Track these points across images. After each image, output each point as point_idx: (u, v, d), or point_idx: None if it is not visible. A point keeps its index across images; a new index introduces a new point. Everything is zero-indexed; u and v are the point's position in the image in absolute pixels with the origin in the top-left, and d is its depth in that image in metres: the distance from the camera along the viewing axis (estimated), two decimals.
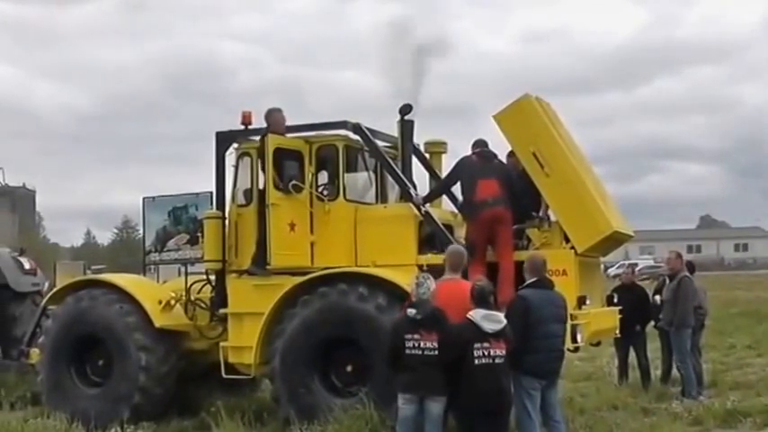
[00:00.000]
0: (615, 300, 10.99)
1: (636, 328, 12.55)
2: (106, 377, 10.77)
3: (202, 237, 10.74)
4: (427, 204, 9.95)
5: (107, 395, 10.60)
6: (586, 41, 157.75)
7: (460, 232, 10.12)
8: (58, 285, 12.47)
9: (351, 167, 10.54)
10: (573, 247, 9.34)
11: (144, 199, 11.92)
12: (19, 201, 19.66)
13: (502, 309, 7.57)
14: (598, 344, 10.88)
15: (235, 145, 10.52)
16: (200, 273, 10.96)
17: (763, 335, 19.96)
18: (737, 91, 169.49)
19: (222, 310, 10.40)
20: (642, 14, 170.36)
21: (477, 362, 7.07)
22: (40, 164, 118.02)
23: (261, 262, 9.97)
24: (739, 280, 51.56)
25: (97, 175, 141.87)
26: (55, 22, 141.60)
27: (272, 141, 9.95)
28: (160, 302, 10.73)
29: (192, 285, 10.97)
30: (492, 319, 7.18)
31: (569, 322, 8.38)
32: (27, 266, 14.79)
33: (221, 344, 10.22)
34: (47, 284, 15.71)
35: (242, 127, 10.38)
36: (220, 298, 10.46)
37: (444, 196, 10.75)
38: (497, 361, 7.12)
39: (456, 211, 10.60)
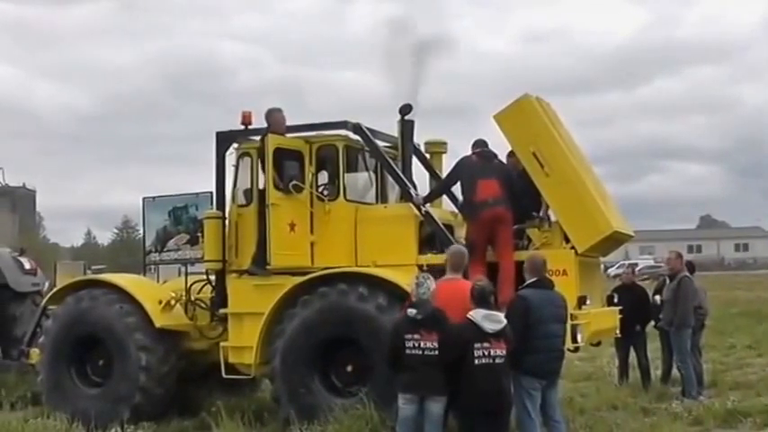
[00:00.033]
0: (615, 300, 10.99)
1: (636, 328, 12.55)
2: (106, 377, 10.77)
3: (202, 237, 10.74)
4: (427, 204, 9.95)
5: (107, 395, 10.59)
6: (586, 41, 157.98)
7: (461, 232, 10.12)
8: (59, 285, 12.46)
9: (351, 167, 10.54)
10: (573, 247, 9.34)
11: (144, 199, 11.93)
12: (19, 201, 19.67)
13: (502, 309, 7.58)
14: (598, 344, 10.88)
15: (235, 145, 10.52)
16: (201, 273, 10.96)
17: (763, 335, 19.96)
18: (737, 91, 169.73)
19: (222, 311, 10.40)
20: (642, 14, 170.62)
21: (477, 362, 7.08)
22: (41, 164, 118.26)
23: (261, 262, 9.97)
24: (739, 280, 51.56)
25: (97, 175, 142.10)
26: (55, 22, 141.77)
27: (273, 141, 9.95)
28: (160, 302, 10.74)
29: (192, 285, 10.98)
30: (492, 319, 7.18)
31: (569, 322, 8.38)
32: (27, 266, 14.80)
33: (221, 344, 10.22)
34: (47, 284, 15.71)
35: (242, 127, 10.38)
36: (220, 298, 10.47)
37: (444, 196, 10.76)
38: (497, 361, 7.13)
39: (456, 211, 10.60)
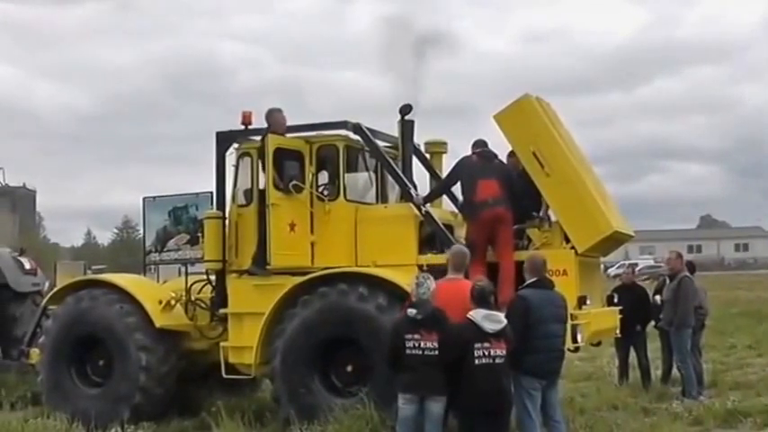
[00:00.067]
0: (615, 300, 10.99)
1: (636, 328, 12.55)
2: (106, 377, 10.77)
3: (202, 237, 10.74)
4: (427, 204, 9.95)
5: (107, 395, 10.59)
6: (586, 41, 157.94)
7: (461, 232, 10.12)
8: (59, 285, 12.46)
9: (351, 167, 10.54)
10: (573, 247, 9.33)
11: (144, 199, 11.92)
12: (19, 201, 19.69)
13: (502, 309, 7.57)
14: (598, 344, 10.88)
15: (235, 145, 10.52)
16: (201, 273, 10.96)
17: (763, 335, 19.95)
18: (737, 91, 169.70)
19: (222, 311, 10.40)
20: (642, 14, 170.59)
21: (477, 362, 7.07)
22: (41, 164, 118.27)
23: (261, 262, 9.97)
24: (740, 280, 51.55)
25: (97, 175, 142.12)
26: (55, 22, 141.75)
27: (273, 141, 9.95)
28: (160, 302, 10.74)
29: (192, 285, 10.98)
30: (492, 319, 7.18)
31: (569, 322, 8.38)
32: (27, 266, 14.80)
33: (221, 344, 10.22)
34: (47, 284, 15.73)
35: (242, 127, 10.38)
36: (220, 298, 10.47)
37: (444, 196, 10.76)
38: (498, 361, 7.12)
39: (456, 211, 10.60)
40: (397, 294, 9.05)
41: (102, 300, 10.83)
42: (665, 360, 12.85)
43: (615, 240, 9.89)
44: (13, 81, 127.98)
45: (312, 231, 10.13)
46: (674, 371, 12.50)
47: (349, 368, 9.61)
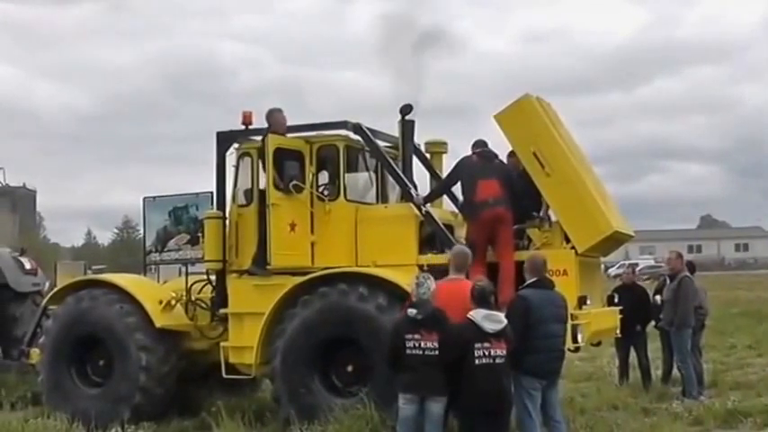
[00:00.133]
0: (616, 300, 10.97)
1: (636, 328, 12.55)
2: (107, 377, 10.77)
3: (203, 237, 10.74)
4: (428, 204, 9.95)
5: (107, 395, 10.59)
6: (586, 41, 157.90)
7: (461, 232, 10.12)
8: (59, 285, 12.47)
9: (351, 167, 10.54)
10: (573, 247, 9.33)
11: (144, 199, 11.91)
12: (19, 201, 19.71)
13: (502, 309, 7.57)
14: (599, 344, 10.88)
15: (235, 145, 10.52)
16: (201, 273, 10.96)
17: (763, 335, 19.95)
18: (737, 91, 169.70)
19: (223, 311, 10.40)
20: (642, 14, 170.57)
21: (477, 362, 7.07)
22: (41, 164, 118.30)
23: (261, 262, 9.97)
24: (740, 280, 51.57)
25: (97, 175, 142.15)
26: (55, 22, 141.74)
27: (273, 141, 9.95)
28: (161, 302, 10.74)
29: (192, 285, 10.97)
30: (492, 320, 7.18)
31: (570, 322, 8.38)
32: (27, 266, 14.81)
33: (222, 344, 10.22)
34: (47, 284, 15.73)
35: (242, 127, 10.39)
36: (221, 298, 10.47)
37: (445, 196, 10.75)
38: (498, 361, 7.12)
39: (456, 211, 10.60)
40: (397, 294, 9.05)
41: (103, 300, 10.83)
42: (665, 360, 12.85)
43: (615, 240, 9.89)
44: (13, 81, 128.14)
45: (312, 231, 10.13)
46: (675, 371, 12.49)
47: (349, 368, 9.61)
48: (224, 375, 10.19)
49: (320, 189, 10.29)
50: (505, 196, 9.42)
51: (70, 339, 10.92)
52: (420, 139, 11.08)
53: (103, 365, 10.88)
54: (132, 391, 10.41)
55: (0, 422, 10.13)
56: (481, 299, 7.30)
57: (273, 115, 10.25)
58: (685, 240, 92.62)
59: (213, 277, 10.60)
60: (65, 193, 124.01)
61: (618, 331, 10.83)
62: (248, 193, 10.38)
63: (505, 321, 7.26)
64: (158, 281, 12.09)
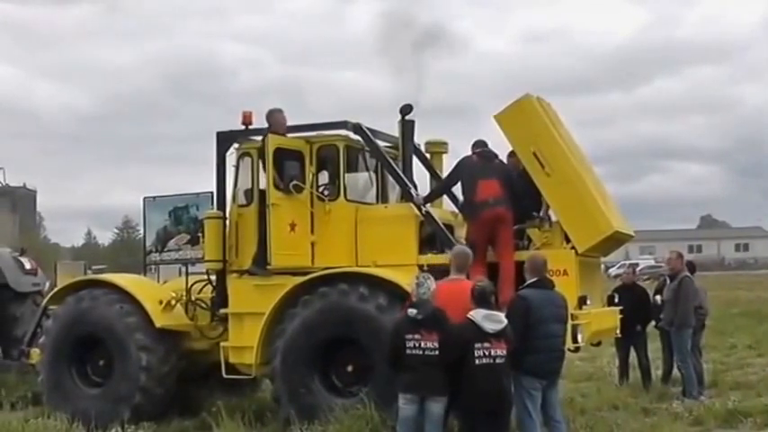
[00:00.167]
0: (616, 300, 10.97)
1: (636, 329, 12.55)
2: (107, 377, 10.77)
3: (203, 237, 10.74)
4: (428, 204, 9.95)
5: (108, 395, 10.59)
6: (586, 41, 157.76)
7: (461, 232, 10.12)
8: (59, 285, 12.47)
9: (351, 167, 10.54)
10: (573, 247, 9.33)
11: (144, 199, 11.91)
12: (19, 201, 19.71)
13: (502, 309, 7.58)
14: (599, 344, 10.88)
15: (235, 145, 10.52)
16: (201, 273, 10.96)
17: (763, 335, 19.95)
18: (737, 91, 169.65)
19: (223, 311, 10.40)
20: (642, 14, 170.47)
21: (477, 362, 7.08)
22: (41, 164, 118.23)
23: (261, 262, 9.97)
24: (740, 280, 51.57)
25: (97, 175, 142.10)
26: (55, 22, 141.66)
27: (273, 141, 9.95)
28: (161, 302, 10.74)
29: (192, 285, 10.97)
30: (493, 320, 7.18)
31: (570, 322, 8.37)
32: (28, 266, 14.81)
33: (222, 344, 10.22)
34: (47, 284, 15.73)
35: (242, 127, 10.38)
36: (221, 298, 10.47)
37: (445, 196, 10.76)
38: (498, 361, 7.12)
39: (456, 211, 10.60)
40: (397, 294, 9.05)
41: (103, 300, 10.83)
42: (665, 360, 12.85)
43: (615, 240, 9.89)
44: (13, 81, 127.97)
45: (312, 231, 10.13)
46: (675, 371, 12.49)
47: (349, 368, 9.61)
48: (224, 375, 10.19)
49: (320, 189, 10.29)
50: (506, 196, 9.42)
51: (70, 339, 10.92)
52: (420, 139, 11.09)
53: (104, 365, 10.87)
54: (132, 391, 10.41)
55: (0, 422, 10.13)
56: (481, 299, 7.30)
57: (273, 115, 10.25)
58: (685, 240, 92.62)
59: (213, 277, 10.60)
60: (65, 193, 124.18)
61: (618, 331, 10.83)
62: (248, 193, 10.38)
63: (505, 321, 7.26)
64: (158, 281, 12.09)
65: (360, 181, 10.80)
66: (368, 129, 10.22)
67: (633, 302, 12.18)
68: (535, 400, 7.72)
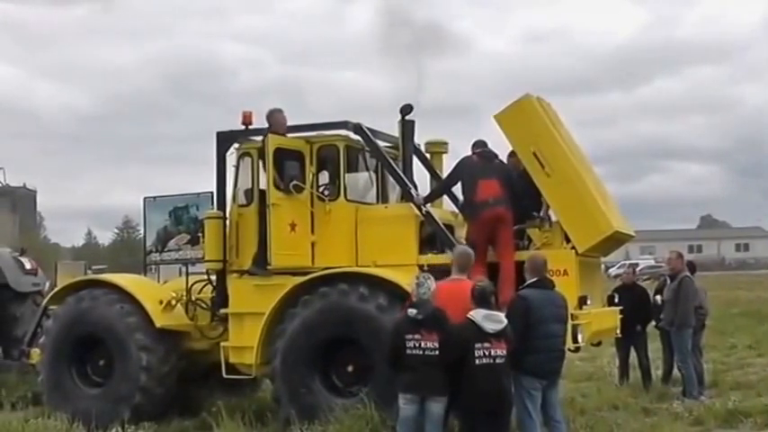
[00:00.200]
0: (616, 300, 10.97)
1: (637, 329, 12.55)
2: (107, 377, 10.78)
3: (203, 237, 10.74)
4: (428, 204, 9.95)
5: (108, 395, 10.60)
6: (586, 41, 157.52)
7: (461, 232, 10.12)
8: (59, 285, 12.46)
9: (352, 167, 10.54)
10: (574, 247, 9.33)
11: (145, 199, 11.92)
12: (20, 201, 19.68)
13: (502, 309, 7.58)
14: (599, 344, 10.88)
15: (236, 145, 10.53)
16: (201, 273, 10.96)
17: (763, 335, 19.95)
18: (737, 91, 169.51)
19: (223, 311, 10.40)
20: (642, 14, 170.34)
21: (477, 362, 7.08)
22: (41, 164, 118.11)
23: (262, 262, 9.97)
24: (740, 280, 51.55)
25: (98, 175, 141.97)
26: (55, 22, 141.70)
27: (273, 141, 9.95)
28: (161, 303, 10.74)
29: (192, 285, 10.98)
30: (493, 320, 7.18)
31: (570, 322, 8.37)
32: (28, 266, 14.81)
33: (222, 344, 10.22)
34: (48, 284, 15.73)
35: (242, 127, 10.39)
36: (221, 298, 10.47)
37: (445, 196, 10.76)
38: (498, 361, 7.13)
39: (457, 211, 10.60)
40: (397, 294, 9.05)
41: (103, 300, 10.84)
42: (665, 360, 12.85)
43: (616, 240, 9.89)
44: (13, 81, 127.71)
45: (313, 231, 10.13)
46: (675, 371, 12.50)
47: (349, 368, 9.61)
48: (224, 375, 10.19)
49: (320, 189, 10.29)
50: (506, 196, 9.43)
51: (70, 339, 10.92)
52: (420, 139, 11.10)
53: (104, 365, 10.88)
54: (132, 391, 10.42)
55: (0, 422, 10.14)
56: (481, 299, 7.30)
57: (274, 115, 10.26)
58: (686, 240, 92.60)
59: (213, 277, 10.61)
60: (65, 193, 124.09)
61: (618, 331, 10.83)
62: (248, 193, 10.38)
63: (506, 321, 7.26)
64: (158, 281, 12.09)
65: (360, 181, 10.80)
66: (368, 129, 10.22)
67: (633, 302, 12.18)
68: (535, 400, 7.72)
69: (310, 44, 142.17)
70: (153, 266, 12.27)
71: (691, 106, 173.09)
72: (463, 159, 9.81)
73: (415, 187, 10.22)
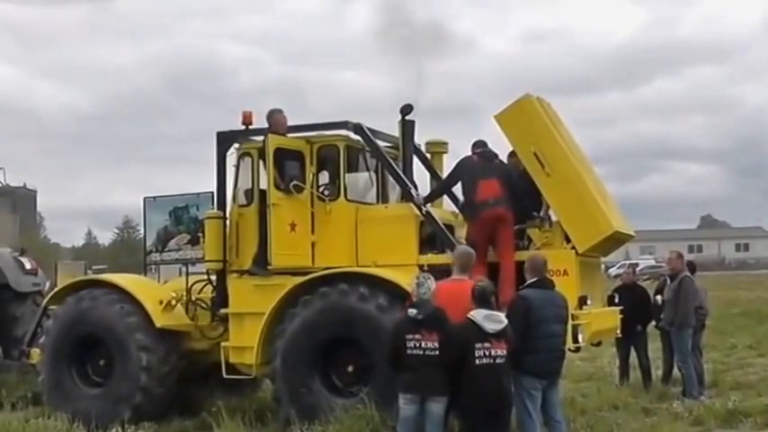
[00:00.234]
0: (616, 300, 10.97)
1: (637, 329, 12.55)
2: (107, 377, 10.78)
3: (203, 237, 10.74)
4: (428, 204, 9.95)
5: (108, 395, 10.60)
6: (586, 41, 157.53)
7: (461, 232, 10.12)
8: (59, 285, 12.47)
9: (352, 167, 10.55)
10: (574, 247, 9.33)
11: (145, 199, 11.93)
12: (20, 201, 19.71)
13: (503, 309, 7.57)
14: (599, 344, 10.88)
15: (236, 145, 10.53)
16: (201, 273, 10.96)
17: (764, 335, 19.95)
18: (737, 91, 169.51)
19: (223, 311, 10.41)
20: (642, 14, 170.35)
21: (477, 362, 7.07)
22: (41, 164, 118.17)
23: (262, 262, 9.97)
24: (740, 280, 51.55)
25: (98, 175, 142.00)
26: (55, 22, 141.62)
27: (273, 141, 9.95)
28: (161, 303, 10.74)
29: (192, 285, 10.98)
30: (493, 320, 7.18)
31: (570, 322, 8.37)
32: (28, 266, 14.81)
33: (222, 344, 10.22)
34: (48, 284, 15.73)
35: (243, 127, 10.39)
36: (221, 298, 10.47)
37: (445, 196, 10.76)
38: (498, 361, 7.12)
39: (457, 211, 10.60)
40: (397, 294, 9.05)
41: (103, 300, 10.84)
42: (665, 360, 12.85)
43: (616, 240, 9.89)
44: (13, 81, 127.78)
45: (313, 231, 10.13)
46: (675, 371, 12.50)
47: (350, 368, 9.61)
48: (224, 375, 10.19)
49: (321, 189, 10.29)
50: (506, 196, 9.42)
51: (71, 339, 10.92)
52: (420, 139, 11.10)
53: (104, 365, 10.88)
54: (133, 391, 10.42)
55: (0, 422, 10.14)
56: (482, 299, 7.30)
57: (274, 115, 10.26)
58: (686, 240, 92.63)
59: (214, 277, 10.61)
60: (65, 193, 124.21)
61: (618, 331, 10.83)
62: (249, 193, 10.38)
63: (506, 321, 7.26)
64: (159, 281, 12.09)
65: (360, 181, 10.80)
66: (368, 129, 10.22)
67: (633, 302, 12.17)
68: (535, 400, 7.72)
69: (310, 44, 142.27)
70: (153, 266, 12.27)
71: (691, 106, 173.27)
72: (463, 159, 9.81)
73: (416, 187, 10.22)
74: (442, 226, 9.84)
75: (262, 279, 10.05)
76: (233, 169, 10.47)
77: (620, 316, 10.72)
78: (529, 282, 7.94)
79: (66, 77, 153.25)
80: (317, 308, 9.52)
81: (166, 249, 11.73)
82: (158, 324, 10.59)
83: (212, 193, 10.83)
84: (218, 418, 9.69)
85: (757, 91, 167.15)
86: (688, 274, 12.24)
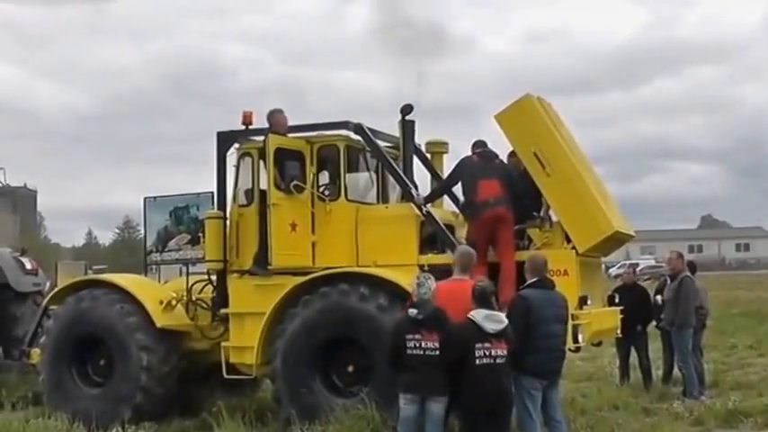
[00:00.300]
0: (616, 300, 10.97)
1: (637, 329, 12.55)
2: (107, 377, 10.78)
3: (203, 237, 10.74)
4: (428, 204, 9.95)
5: (108, 395, 10.60)
6: (586, 41, 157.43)
7: (462, 232, 10.12)
8: (60, 285, 12.47)
9: (352, 167, 10.55)
10: (574, 248, 9.33)
11: (145, 199, 11.93)
12: (20, 201, 19.75)
13: (503, 309, 7.58)
14: (599, 344, 10.88)
15: (236, 145, 10.53)
16: (202, 273, 10.97)
17: (764, 335, 19.95)
18: (737, 91, 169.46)
19: (223, 311, 10.41)
20: (642, 14, 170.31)
21: (478, 362, 7.08)
22: (41, 164, 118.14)
23: (262, 262, 9.97)
24: (741, 280, 51.54)
25: (98, 175, 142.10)
26: (55, 22, 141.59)
27: (274, 141, 9.95)
28: (161, 303, 10.74)
29: (193, 285, 10.98)
30: (493, 320, 7.18)
31: (570, 322, 8.37)
32: (28, 266, 14.82)
33: (222, 344, 10.22)
34: (48, 284, 15.75)
35: (243, 127, 10.39)
36: (221, 298, 10.47)
37: (445, 196, 10.76)
38: (498, 361, 7.12)
39: (457, 211, 10.60)
40: (398, 294, 9.06)
41: (103, 300, 10.84)
42: (666, 360, 12.85)
43: (616, 240, 9.89)
44: (13, 81, 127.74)
45: (313, 231, 10.13)
46: (675, 371, 12.49)
47: (350, 368, 9.61)
48: (225, 375, 10.19)
49: (321, 189, 10.29)
50: (506, 196, 9.42)
51: (71, 339, 10.92)
52: (421, 139, 11.10)
53: (104, 365, 10.88)
54: (133, 391, 10.42)
55: (1, 422, 10.14)
56: (482, 299, 7.30)
57: (274, 115, 10.26)
58: (686, 240, 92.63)
59: (214, 277, 10.61)
60: (65, 193, 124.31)
61: (618, 331, 10.83)
62: (249, 193, 10.38)
63: (506, 321, 7.26)
64: (159, 281, 12.09)
65: (360, 181, 10.80)
66: (369, 129, 10.22)
67: (634, 302, 12.17)
68: (535, 400, 7.72)
69: (310, 44, 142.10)
70: (153, 266, 12.27)
71: (691, 106, 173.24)
72: (463, 159, 9.81)
73: (416, 187, 10.22)
74: (443, 226, 9.84)
75: (262, 279, 10.05)
76: (233, 169, 10.47)
77: (621, 316, 10.72)
78: (529, 282, 7.94)
79: (67, 77, 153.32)
80: (318, 308, 9.52)
81: (167, 249, 11.73)
82: (159, 324, 10.59)
83: (212, 193, 10.83)
84: (218, 418, 9.68)
85: (757, 91, 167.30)
86: (688, 274, 12.24)
